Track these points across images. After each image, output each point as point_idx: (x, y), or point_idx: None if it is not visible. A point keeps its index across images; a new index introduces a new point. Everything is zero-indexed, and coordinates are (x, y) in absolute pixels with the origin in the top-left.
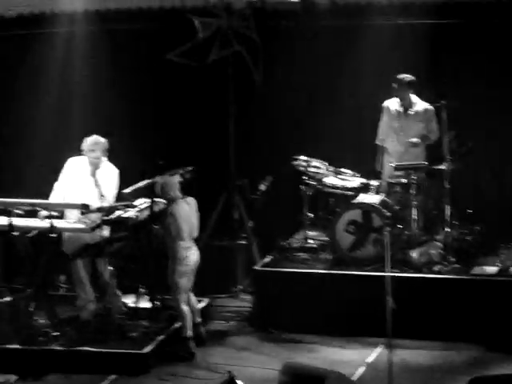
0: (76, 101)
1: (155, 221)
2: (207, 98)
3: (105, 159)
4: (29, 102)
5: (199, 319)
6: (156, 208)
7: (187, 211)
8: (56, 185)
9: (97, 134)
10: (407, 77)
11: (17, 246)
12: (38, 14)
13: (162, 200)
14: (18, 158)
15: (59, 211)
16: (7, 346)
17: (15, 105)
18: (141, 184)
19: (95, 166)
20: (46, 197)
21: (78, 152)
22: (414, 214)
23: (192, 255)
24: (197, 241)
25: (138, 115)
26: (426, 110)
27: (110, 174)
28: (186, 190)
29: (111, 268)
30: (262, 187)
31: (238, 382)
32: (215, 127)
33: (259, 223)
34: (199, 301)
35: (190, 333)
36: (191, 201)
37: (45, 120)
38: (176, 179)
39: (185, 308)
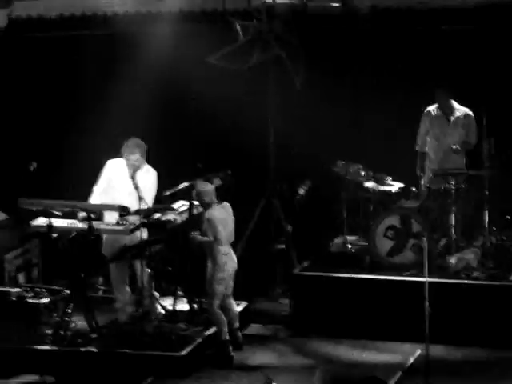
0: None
1: (193, 225)
2: (247, 102)
3: (144, 162)
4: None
5: (237, 324)
6: (194, 211)
7: (224, 216)
8: (95, 188)
9: (137, 136)
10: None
11: (56, 248)
12: (90, 15)
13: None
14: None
15: (98, 213)
16: (45, 348)
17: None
18: (180, 187)
19: (135, 169)
20: (85, 199)
21: (118, 154)
22: (453, 219)
23: (230, 261)
24: (235, 245)
25: (178, 118)
26: (466, 116)
27: (149, 177)
28: (225, 194)
29: (149, 270)
30: (301, 191)
31: None
32: (255, 131)
33: (298, 227)
34: (237, 304)
35: (226, 337)
36: (227, 206)
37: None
38: (212, 185)
39: (219, 313)
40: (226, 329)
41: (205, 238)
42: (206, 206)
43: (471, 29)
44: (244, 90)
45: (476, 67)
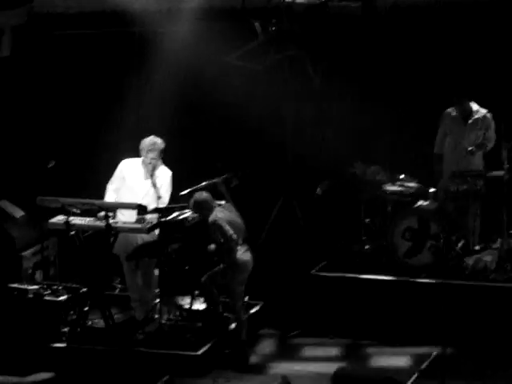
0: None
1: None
2: (264, 101)
3: (160, 161)
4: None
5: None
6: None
7: (227, 215)
8: (109, 186)
9: (156, 134)
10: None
11: (73, 245)
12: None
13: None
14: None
15: (112, 212)
16: (62, 345)
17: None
18: (198, 186)
19: (152, 168)
20: (101, 198)
21: (138, 153)
22: (471, 221)
23: (248, 258)
24: (252, 244)
25: (197, 116)
26: (484, 117)
27: (165, 177)
28: (244, 193)
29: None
30: (319, 191)
31: None
32: (272, 130)
33: (316, 227)
34: (255, 304)
35: (245, 337)
36: (226, 205)
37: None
38: (206, 194)
39: (242, 314)
40: (245, 330)
41: (213, 247)
42: (206, 214)
43: (488, 26)
44: (263, 88)
45: (496, 68)
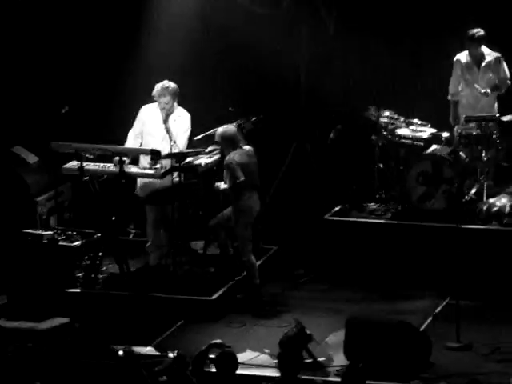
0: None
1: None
2: (279, 46)
3: (175, 105)
4: None
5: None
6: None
7: (244, 160)
8: (130, 132)
9: (172, 80)
10: (478, 31)
11: (87, 191)
12: None
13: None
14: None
15: (130, 157)
16: (76, 290)
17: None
18: (212, 131)
19: (166, 112)
20: (121, 144)
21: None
22: (485, 165)
23: (255, 205)
24: (266, 189)
25: (211, 63)
26: (496, 60)
27: (181, 120)
28: (257, 138)
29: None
30: (332, 136)
31: (307, 331)
32: (286, 76)
33: (329, 172)
34: (268, 249)
35: (258, 281)
36: (249, 149)
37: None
38: (234, 128)
39: (252, 257)
40: (257, 273)
41: (224, 186)
42: (229, 148)
43: None
44: (277, 34)
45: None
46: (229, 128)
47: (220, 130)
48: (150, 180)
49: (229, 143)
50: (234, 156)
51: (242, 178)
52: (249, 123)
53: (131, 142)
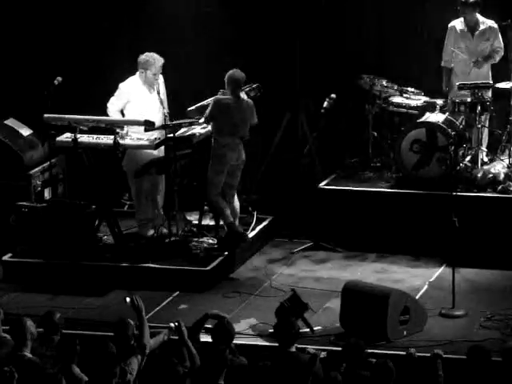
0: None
1: None
2: (273, 15)
3: (160, 76)
4: None
5: (236, 220)
6: None
7: (232, 107)
8: (112, 108)
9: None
10: None
11: (81, 163)
12: None
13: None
14: None
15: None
16: (72, 262)
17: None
18: (205, 102)
19: (150, 84)
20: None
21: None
22: (479, 133)
23: (231, 152)
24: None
25: (205, 31)
26: (490, 28)
27: (162, 85)
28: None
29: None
30: (326, 105)
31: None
32: (281, 45)
33: (323, 141)
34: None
35: (231, 219)
36: (244, 102)
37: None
38: (243, 74)
39: (218, 200)
40: (228, 212)
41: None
42: (229, 91)
43: None
44: (269, 2)
45: None
46: (238, 72)
47: (231, 71)
48: (139, 151)
49: (229, 85)
50: (221, 96)
51: (221, 122)
52: (243, 92)
53: (116, 112)
